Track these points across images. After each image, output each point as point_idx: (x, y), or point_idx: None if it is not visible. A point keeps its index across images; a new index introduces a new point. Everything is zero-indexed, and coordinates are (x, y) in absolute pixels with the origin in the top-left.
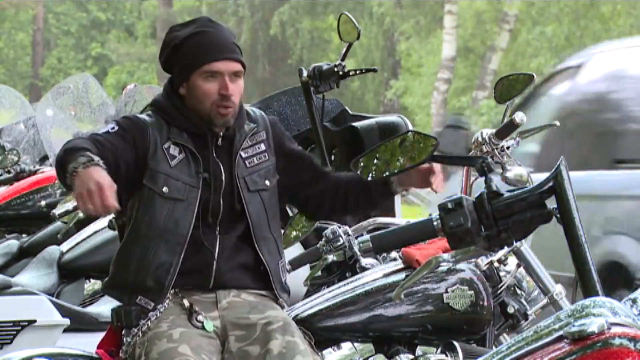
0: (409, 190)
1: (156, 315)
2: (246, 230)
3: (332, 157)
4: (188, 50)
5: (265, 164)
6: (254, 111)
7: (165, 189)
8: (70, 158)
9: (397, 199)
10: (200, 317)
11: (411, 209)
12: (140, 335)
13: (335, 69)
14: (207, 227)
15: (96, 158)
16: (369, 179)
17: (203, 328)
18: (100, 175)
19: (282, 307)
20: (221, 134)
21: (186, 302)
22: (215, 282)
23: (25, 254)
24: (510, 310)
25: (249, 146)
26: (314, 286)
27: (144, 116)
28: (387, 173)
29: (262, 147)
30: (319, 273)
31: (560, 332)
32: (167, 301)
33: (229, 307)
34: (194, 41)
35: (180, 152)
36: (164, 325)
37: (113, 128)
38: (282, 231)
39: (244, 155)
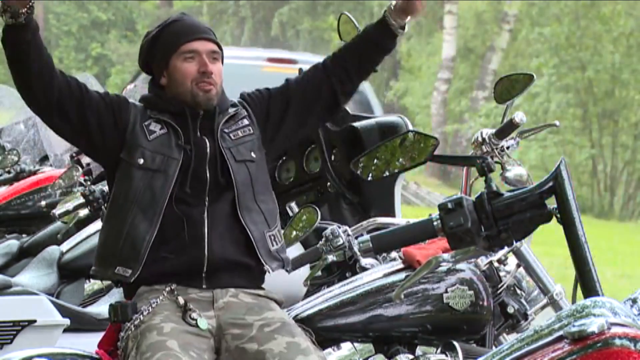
0: (406, 19)
1: (149, 310)
2: (233, 201)
3: (332, 157)
4: (164, 38)
5: (249, 137)
6: (233, 99)
7: (140, 160)
8: None
9: (397, 199)
10: (194, 315)
11: (411, 208)
12: (133, 329)
13: None
14: (194, 199)
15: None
16: (369, 178)
17: (197, 326)
18: None
19: (279, 304)
20: (201, 112)
21: (181, 300)
22: (209, 262)
23: (25, 254)
24: (510, 310)
25: (232, 123)
26: (313, 286)
27: (132, 100)
28: (387, 173)
29: (245, 122)
30: (319, 273)
31: (561, 332)
32: (162, 297)
33: (225, 307)
34: (168, 29)
35: (161, 128)
36: (157, 319)
37: (97, 91)
38: (282, 228)
39: (226, 130)
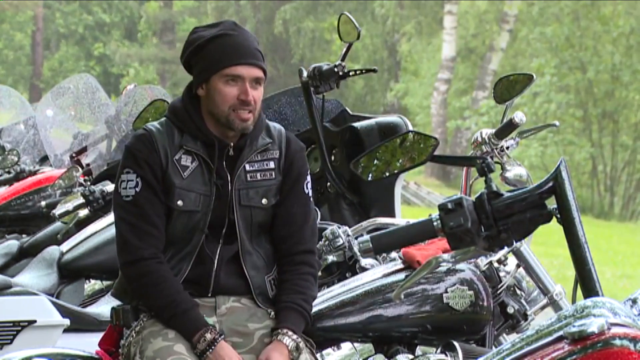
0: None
1: (149, 315)
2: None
3: (332, 157)
4: (211, 52)
5: (268, 182)
6: (274, 127)
7: (180, 203)
8: (189, 328)
9: (397, 199)
10: None
11: (411, 209)
12: (134, 335)
13: (335, 69)
14: (212, 236)
15: (214, 334)
16: (369, 178)
17: None
18: (231, 354)
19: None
20: (232, 144)
21: None
22: (214, 291)
23: (25, 254)
24: (510, 310)
25: (257, 161)
26: None
27: (150, 127)
28: (387, 173)
29: (271, 164)
30: (319, 273)
31: (561, 332)
32: None
33: (228, 312)
34: (217, 43)
35: (192, 160)
36: (159, 325)
37: (137, 185)
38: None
39: (248, 167)
